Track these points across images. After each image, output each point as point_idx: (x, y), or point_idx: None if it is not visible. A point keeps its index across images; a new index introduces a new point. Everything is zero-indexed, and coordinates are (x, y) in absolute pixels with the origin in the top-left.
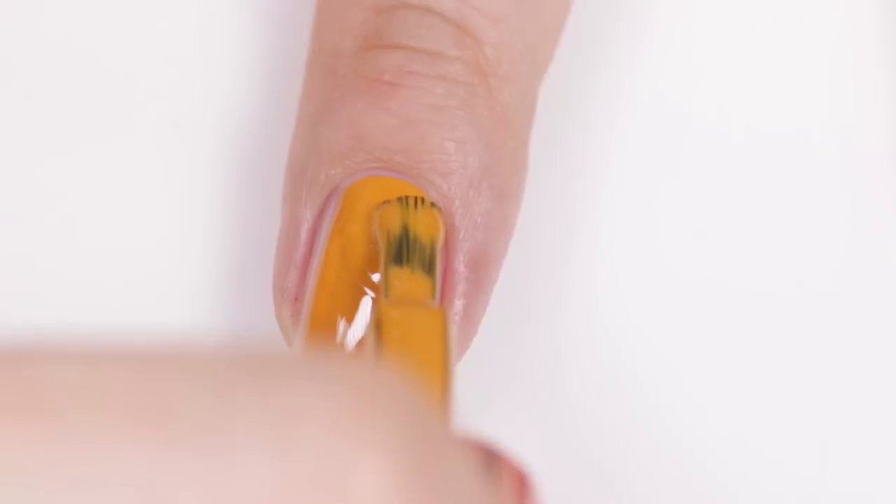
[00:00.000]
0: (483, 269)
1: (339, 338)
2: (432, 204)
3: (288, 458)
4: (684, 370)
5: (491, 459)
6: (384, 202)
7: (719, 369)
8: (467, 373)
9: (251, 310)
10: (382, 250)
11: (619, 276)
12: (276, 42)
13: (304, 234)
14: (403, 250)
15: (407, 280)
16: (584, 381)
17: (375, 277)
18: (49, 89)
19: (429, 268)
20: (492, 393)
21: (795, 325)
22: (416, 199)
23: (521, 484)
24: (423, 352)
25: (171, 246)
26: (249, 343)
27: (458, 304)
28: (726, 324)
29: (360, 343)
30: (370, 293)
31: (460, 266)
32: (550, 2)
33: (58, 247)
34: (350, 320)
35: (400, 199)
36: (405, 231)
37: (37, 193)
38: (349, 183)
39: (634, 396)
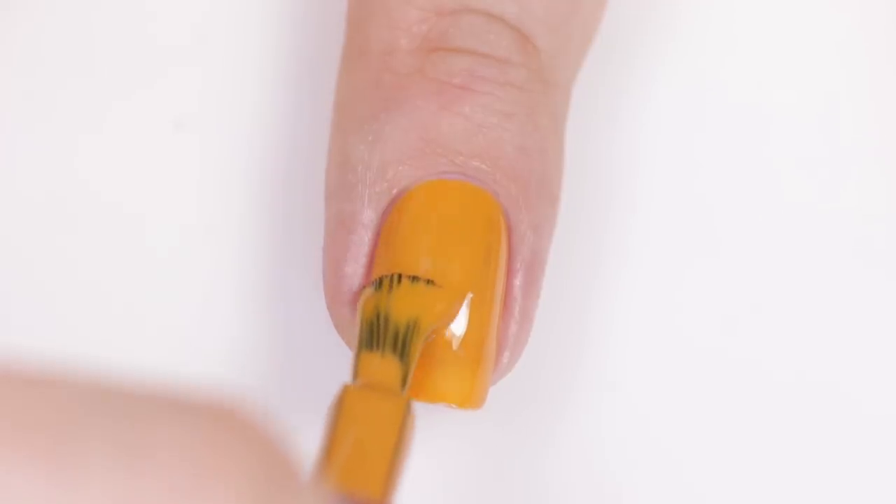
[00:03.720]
0: (538, 272)
1: None
2: (415, 278)
3: (132, 492)
4: (695, 369)
5: None
6: (363, 286)
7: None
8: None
9: (252, 309)
10: (357, 333)
11: (648, 273)
12: (278, 42)
13: (366, 234)
14: (374, 334)
15: (377, 365)
16: (602, 384)
17: None
18: (49, 90)
19: (401, 352)
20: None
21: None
22: (391, 278)
23: None
24: (374, 441)
25: (174, 247)
26: (121, 376)
27: (518, 306)
28: (747, 326)
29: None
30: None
31: (520, 270)
32: (593, 9)
33: (58, 248)
34: None
35: (374, 282)
36: (376, 314)
37: (37, 193)
38: (416, 184)
39: (652, 401)
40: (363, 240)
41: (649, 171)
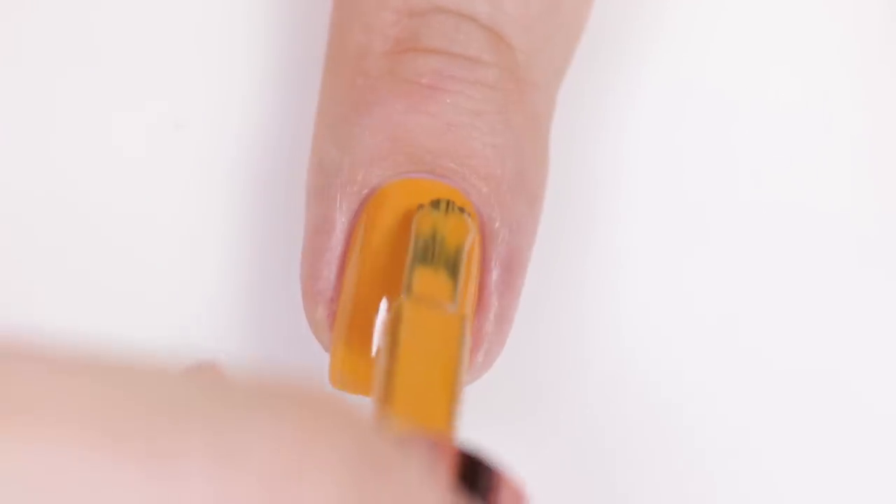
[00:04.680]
0: (517, 271)
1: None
2: (461, 209)
3: (232, 487)
4: (699, 365)
5: (472, 479)
6: (420, 205)
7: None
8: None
9: (250, 309)
10: (410, 249)
11: (637, 272)
12: (278, 42)
13: (339, 235)
14: (430, 251)
15: (430, 279)
16: (595, 383)
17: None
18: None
19: (452, 270)
20: (506, 396)
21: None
22: (447, 202)
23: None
24: (435, 355)
25: (173, 247)
26: (211, 368)
27: (494, 305)
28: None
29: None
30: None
31: (497, 269)
32: (575, 8)
33: (58, 249)
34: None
35: (433, 202)
36: (433, 233)
37: (34, 193)
38: (386, 184)
39: (646, 398)
40: (335, 242)
41: (637, 171)
